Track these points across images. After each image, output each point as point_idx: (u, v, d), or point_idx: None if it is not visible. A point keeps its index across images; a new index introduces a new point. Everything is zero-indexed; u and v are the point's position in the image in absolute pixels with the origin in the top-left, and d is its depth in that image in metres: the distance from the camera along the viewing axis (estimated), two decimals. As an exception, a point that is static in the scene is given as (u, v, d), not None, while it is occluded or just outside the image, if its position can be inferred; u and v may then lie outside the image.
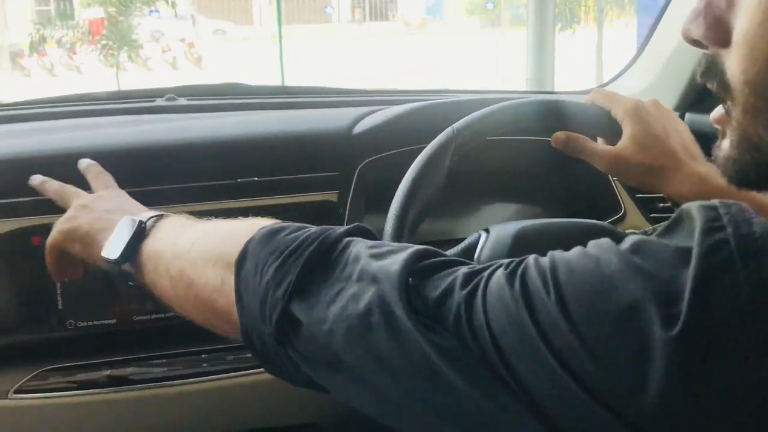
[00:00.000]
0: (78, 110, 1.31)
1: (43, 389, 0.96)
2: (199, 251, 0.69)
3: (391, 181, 0.99)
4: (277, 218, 1.03)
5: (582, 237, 0.91)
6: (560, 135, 0.92)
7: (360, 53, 13.31)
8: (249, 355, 0.98)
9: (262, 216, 1.03)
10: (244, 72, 9.10)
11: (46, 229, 0.96)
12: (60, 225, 0.85)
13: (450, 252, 0.91)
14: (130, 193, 0.98)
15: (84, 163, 0.96)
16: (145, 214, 0.80)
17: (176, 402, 1.00)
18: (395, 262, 0.54)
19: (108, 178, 0.94)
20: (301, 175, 1.07)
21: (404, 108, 1.13)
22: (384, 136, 1.10)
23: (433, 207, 0.89)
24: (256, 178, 1.05)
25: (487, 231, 0.91)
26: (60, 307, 0.98)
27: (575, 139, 0.92)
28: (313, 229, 0.63)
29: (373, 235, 0.63)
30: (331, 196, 1.08)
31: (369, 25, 18.55)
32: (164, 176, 1.03)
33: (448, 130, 0.90)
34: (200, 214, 1.01)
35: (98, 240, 0.80)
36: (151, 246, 0.75)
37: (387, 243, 0.59)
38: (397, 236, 0.85)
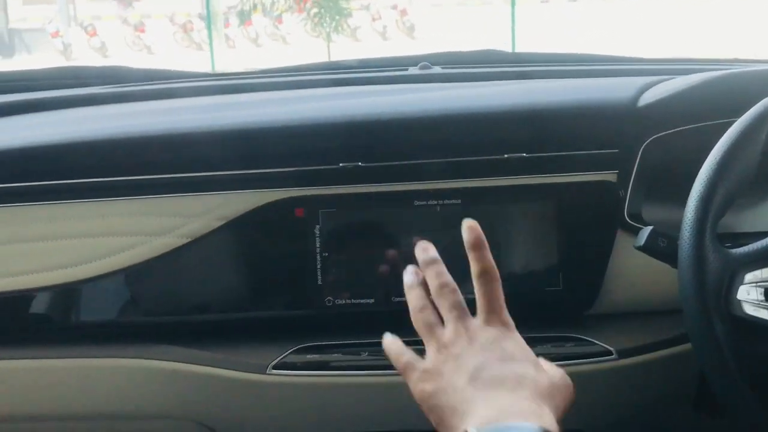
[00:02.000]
0: (326, 79, 1.43)
1: (300, 366, 1.06)
2: None
3: (682, 161, 0.99)
4: (547, 200, 1.09)
5: None
6: None
7: (588, 17, 13.01)
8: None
9: (533, 196, 1.08)
10: (462, 41, 9.23)
11: (310, 200, 1.07)
12: (415, 383, 0.77)
13: (759, 245, 0.90)
14: (381, 168, 1.06)
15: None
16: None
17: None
18: None
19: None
20: (576, 151, 1.09)
21: (699, 78, 1.12)
22: (675, 109, 1.10)
23: (743, 190, 0.89)
24: (524, 154, 1.08)
25: (807, 222, 0.89)
26: (319, 282, 1.08)
27: None
28: None
29: None
30: (610, 176, 1.09)
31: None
32: (422, 150, 1.10)
33: (765, 101, 0.88)
34: (461, 193, 1.08)
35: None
36: None
37: None
38: (701, 222, 0.86)
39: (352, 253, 1.09)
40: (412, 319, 0.80)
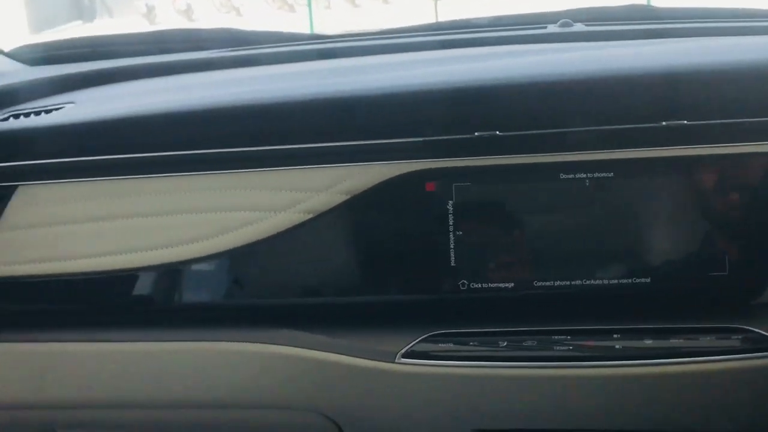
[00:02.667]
0: (455, 39, 1.42)
1: (431, 356, 1.07)
2: None
3: None
4: (710, 173, 1.06)
5: None
6: None
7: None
8: (677, 341, 1.03)
9: (695, 169, 1.05)
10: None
11: (443, 173, 1.07)
12: None
13: None
14: (522, 137, 1.06)
15: None
16: None
17: (577, 387, 1.06)
18: None
19: None
20: (744, 119, 1.06)
21: None
22: None
23: None
24: (684, 122, 1.06)
25: None
26: (453, 264, 1.08)
27: None
28: None
29: None
30: None
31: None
32: (568, 117, 1.08)
33: None
34: (613, 165, 1.06)
35: None
36: None
37: None
38: None
39: (490, 231, 1.08)
40: None
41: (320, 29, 9.37)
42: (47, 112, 1.24)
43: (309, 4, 9.90)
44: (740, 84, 1.08)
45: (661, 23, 1.39)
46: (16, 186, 1.15)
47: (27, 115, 1.25)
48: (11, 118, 1.24)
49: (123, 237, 1.12)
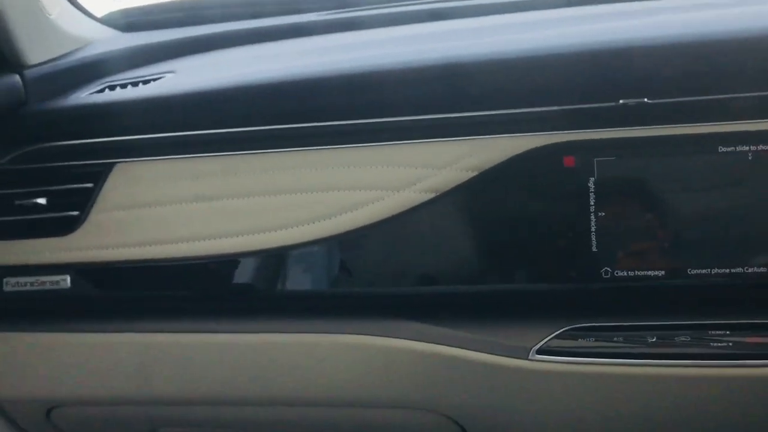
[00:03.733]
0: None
1: (570, 352, 1.04)
2: None
3: None
4: None
5: None
6: None
7: None
8: None
9: None
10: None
11: (583, 146, 1.03)
12: None
13: None
14: (674, 105, 1.01)
15: None
16: None
17: (739, 389, 1.02)
18: None
19: None
20: None
21: None
22: None
23: None
24: None
25: None
26: (594, 249, 1.04)
27: None
28: None
29: None
30: None
31: None
32: (727, 82, 1.03)
33: None
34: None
35: None
36: None
37: None
38: None
39: (637, 212, 1.03)
40: None
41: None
42: (145, 82, 1.24)
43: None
44: None
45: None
46: (113, 164, 1.15)
47: (124, 86, 1.25)
48: (107, 90, 1.24)
49: (228, 219, 1.12)
